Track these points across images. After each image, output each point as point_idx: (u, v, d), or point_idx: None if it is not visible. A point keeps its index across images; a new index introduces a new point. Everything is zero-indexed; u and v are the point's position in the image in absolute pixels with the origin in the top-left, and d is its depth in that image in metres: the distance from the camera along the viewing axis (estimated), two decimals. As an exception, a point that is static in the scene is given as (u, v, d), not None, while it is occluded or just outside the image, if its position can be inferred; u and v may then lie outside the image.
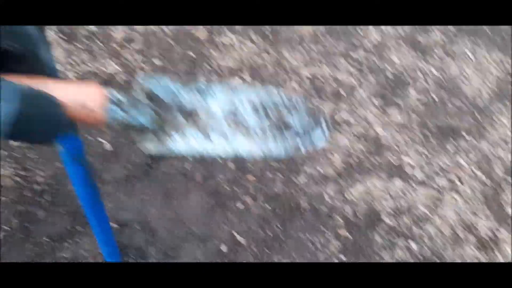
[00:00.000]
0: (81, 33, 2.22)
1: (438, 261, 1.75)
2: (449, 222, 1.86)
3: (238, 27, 2.38)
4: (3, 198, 1.74)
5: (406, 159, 2.00)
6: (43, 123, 0.40)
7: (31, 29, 0.41)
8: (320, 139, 0.54)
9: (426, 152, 2.04)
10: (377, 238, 1.79)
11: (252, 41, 2.35)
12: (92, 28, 2.25)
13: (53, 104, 0.41)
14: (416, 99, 2.22)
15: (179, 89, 0.50)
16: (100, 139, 1.93)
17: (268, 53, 2.31)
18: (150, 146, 0.49)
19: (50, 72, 0.47)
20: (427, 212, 1.86)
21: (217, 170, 1.91)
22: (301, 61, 2.29)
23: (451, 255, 1.77)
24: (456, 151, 2.06)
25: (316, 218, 1.82)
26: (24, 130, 0.39)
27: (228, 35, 2.34)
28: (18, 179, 1.80)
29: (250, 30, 2.38)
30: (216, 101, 0.51)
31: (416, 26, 2.53)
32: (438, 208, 1.88)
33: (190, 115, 0.50)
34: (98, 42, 2.20)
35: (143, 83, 0.49)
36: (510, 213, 1.89)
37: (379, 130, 2.08)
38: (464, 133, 2.13)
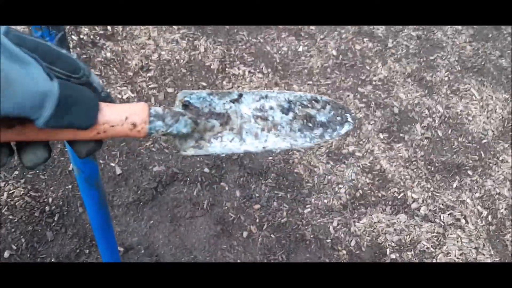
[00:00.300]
0: (98, 60, 2.29)
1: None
2: (452, 258, 1.86)
3: (249, 59, 2.45)
4: (13, 218, 1.78)
5: (410, 194, 2.02)
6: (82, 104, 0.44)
7: (80, 62, 0.45)
8: (345, 129, 0.58)
9: (430, 188, 2.06)
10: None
11: (262, 73, 2.41)
12: (108, 55, 2.32)
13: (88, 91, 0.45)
14: (422, 135, 2.26)
15: (214, 99, 0.55)
16: (112, 164, 1.97)
17: (277, 85, 2.38)
18: (190, 150, 0.54)
19: (104, 98, 0.51)
20: (431, 248, 1.87)
21: (224, 197, 1.94)
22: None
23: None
24: (460, 188, 2.08)
25: (320, 249, 1.84)
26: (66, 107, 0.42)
27: (240, 67, 2.41)
28: (29, 199, 1.84)
29: (261, 63, 2.45)
30: (247, 106, 0.57)
31: (423, 64, 2.60)
32: (441, 244, 1.89)
33: (224, 120, 0.56)
34: (114, 69, 2.27)
35: (182, 96, 0.54)
36: (514, 252, 1.90)
37: (384, 164, 2.11)
38: (468, 170, 2.16)
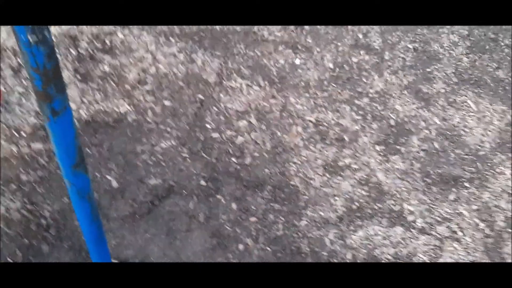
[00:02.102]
0: (96, 74, 2.31)
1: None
2: (449, 272, 1.85)
3: (246, 72, 2.47)
4: (9, 231, 1.78)
5: (407, 206, 2.02)
6: None
7: None
8: None
9: (427, 200, 2.06)
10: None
11: (260, 86, 2.43)
12: (106, 68, 2.34)
13: None
14: (419, 147, 2.26)
15: None
16: (108, 176, 1.98)
17: (274, 98, 2.39)
18: None
19: None
20: (427, 260, 1.86)
21: (220, 210, 1.94)
22: (306, 107, 2.36)
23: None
24: (457, 200, 2.08)
25: (316, 262, 1.83)
26: None
27: (237, 80, 2.43)
28: (25, 212, 1.84)
29: (258, 76, 2.47)
30: None
31: (419, 76, 2.61)
32: (438, 256, 1.88)
33: None
34: (112, 82, 2.29)
35: None
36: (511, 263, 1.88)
37: (381, 176, 2.11)
38: (465, 183, 2.15)
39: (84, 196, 1.11)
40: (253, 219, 1.93)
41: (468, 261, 1.85)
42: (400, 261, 1.81)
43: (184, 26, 2.63)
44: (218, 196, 1.99)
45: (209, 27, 2.67)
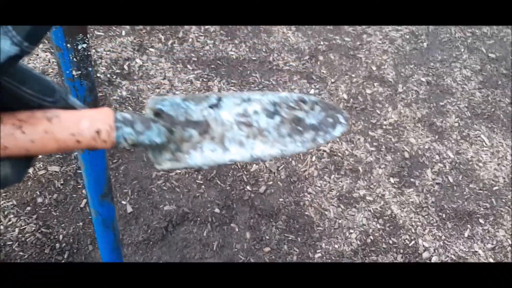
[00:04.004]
0: (114, 98, 2.34)
1: None
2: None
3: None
4: (23, 254, 1.78)
5: (422, 242, 2.00)
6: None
7: (56, 84, 0.42)
8: (338, 131, 0.53)
9: (442, 236, 2.04)
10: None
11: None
12: (124, 93, 2.37)
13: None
14: (433, 180, 2.26)
15: (190, 105, 0.49)
16: (123, 201, 1.98)
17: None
18: (166, 163, 0.47)
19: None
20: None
21: (234, 239, 1.94)
22: (320, 137, 2.37)
23: None
24: (472, 237, 2.06)
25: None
26: None
27: (252, 108, 2.45)
28: (40, 235, 1.84)
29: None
30: (228, 111, 0.51)
31: (433, 109, 2.62)
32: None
33: (203, 129, 0.49)
34: (129, 107, 2.32)
35: (153, 103, 0.48)
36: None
37: (395, 209, 2.10)
38: (480, 219, 2.14)
39: (109, 225, 1.12)
40: (267, 249, 1.92)
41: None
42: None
43: (201, 54, 2.67)
44: (232, 225, 1.98)
45: (226, 56, 2.71)
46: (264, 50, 2.81)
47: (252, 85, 2.58)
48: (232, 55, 2.72)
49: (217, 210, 2.02)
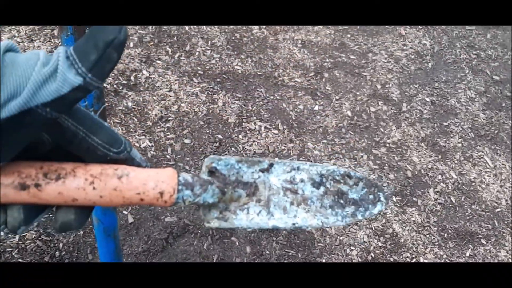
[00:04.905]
0: (119, 109, 2.36)
1: None
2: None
3: (265, 115, 2.51)
4: (22, 261, 1.77)
5: (423, 260, 1.99)
6: None
7: (121, 136, 0.44)
8: (377, 209, 0.55)
9: (443, 255, 2.03)
10: None
11: (278, 129, 2.46)
12: (130, 104, 2.39)
13: None
14: (435, 200, 2.26)
15: (242, 167, 0.52)
16: (124, 211, 1.98)
17: (292, 142, 2.41)
18: (214, 222, 0.50)
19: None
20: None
21: (234, 253, 1.93)
22: (323, 153, 2.37)
23: None
24: (473, 257, 2.05)
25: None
26: None
27: (256, 122, 2.46)
28: (40, 243, 1.84)
29: (277, 119, 2.50)
30: (277, 177, 0.53)
31: (436, 129, 2.63)
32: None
33: (252, 191, 0.52)
34: (135, 118, 2.33)
35: (209, 162, 0.50)
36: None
37: (397, 228, 2.10)
38: (482, 239, 2.13)
39: (110, 234, 1.12)
40: (267, 264, 1.91)
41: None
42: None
43: (207, 68, 2.70)
44: (233, 238, 1.98)
45: (232, 70, 2.73)
46: (269, 65, 2.84)
47: (257, 100, 2.60)
48: (237, 69, 2.75)
49: (218, 223, 2.01)
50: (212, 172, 0.51)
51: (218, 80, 2.66)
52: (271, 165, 0.53)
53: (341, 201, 0.54)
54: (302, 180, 0.54)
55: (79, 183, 0.41)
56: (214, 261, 1.89)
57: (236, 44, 2.93)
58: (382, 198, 0.56)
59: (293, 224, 0.52)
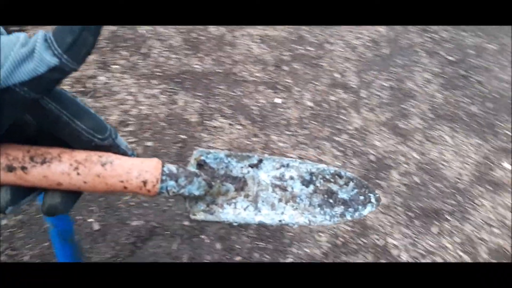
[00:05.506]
0: (77, 116, 2.31)
1: None
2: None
3: (227, 112, 2.51)
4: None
5: (391, 240, 2.03)
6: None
7: (107, 123, 0.45)
8: (367, 210, 0.55)
9: (410, 234, 2.07)
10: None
11: (241, 125, 2.46)
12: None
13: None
14: (399, 181, 2.30)
15: (231, 161, 0.52)
16: (89, 219, 1.94)
17: (256, 136, 2.42)
18: (200, 214, 0.50)
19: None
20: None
21: (204, 250, 1.92)
22: (288, 144, 2.39)
23: None
24: (440, 233, 2.10)
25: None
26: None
27: (219, 119, 2.46)
28: (5, 258, 1.79)
29: (240, 115, 2.51)
30: (266, 173, 0.53)
31: (396, 112, 2.68)
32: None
33: (240, 185, 0.52)
34: (93, 124, 2.29)
35: (198, 155, 0.51)
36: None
37: (364, 211, 2.13)
38: (447, 215, 2.18)
39: (66, 238, 1.10)
40: (238, 258, 1.91)
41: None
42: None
43: (166, 69, 2.68)
44: (202, 236, 1.97)
45: (190, 69, 2.72)
46: (228, 62, 2.84)
47: (218, 97, 2.59)
48: (196, 68, 2.74)
49: (186, 223, 2.00)
50: (200, 165, 0.51)
51: (177, 80, 2.64)
52: (260, 160, 0.53)
53: (330, 200, 0.54)
54: (291, 178, 0.54)
55: (64, 168, 0.42)
56: (184, 261, 1.87)
57: (194, 43, 2.92)
58: (372, 200, 0.55)
59: (280, 221, 0.52)
